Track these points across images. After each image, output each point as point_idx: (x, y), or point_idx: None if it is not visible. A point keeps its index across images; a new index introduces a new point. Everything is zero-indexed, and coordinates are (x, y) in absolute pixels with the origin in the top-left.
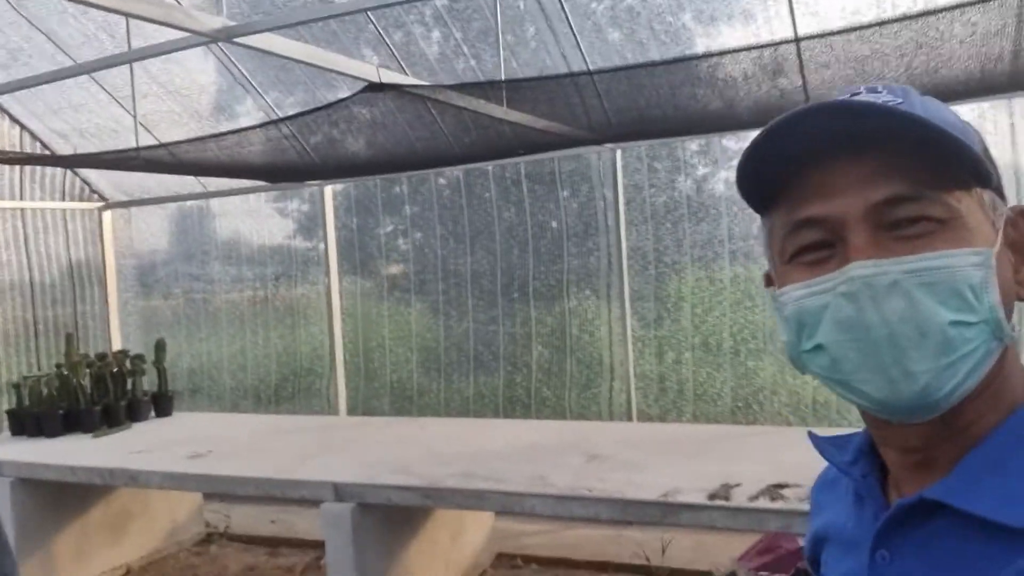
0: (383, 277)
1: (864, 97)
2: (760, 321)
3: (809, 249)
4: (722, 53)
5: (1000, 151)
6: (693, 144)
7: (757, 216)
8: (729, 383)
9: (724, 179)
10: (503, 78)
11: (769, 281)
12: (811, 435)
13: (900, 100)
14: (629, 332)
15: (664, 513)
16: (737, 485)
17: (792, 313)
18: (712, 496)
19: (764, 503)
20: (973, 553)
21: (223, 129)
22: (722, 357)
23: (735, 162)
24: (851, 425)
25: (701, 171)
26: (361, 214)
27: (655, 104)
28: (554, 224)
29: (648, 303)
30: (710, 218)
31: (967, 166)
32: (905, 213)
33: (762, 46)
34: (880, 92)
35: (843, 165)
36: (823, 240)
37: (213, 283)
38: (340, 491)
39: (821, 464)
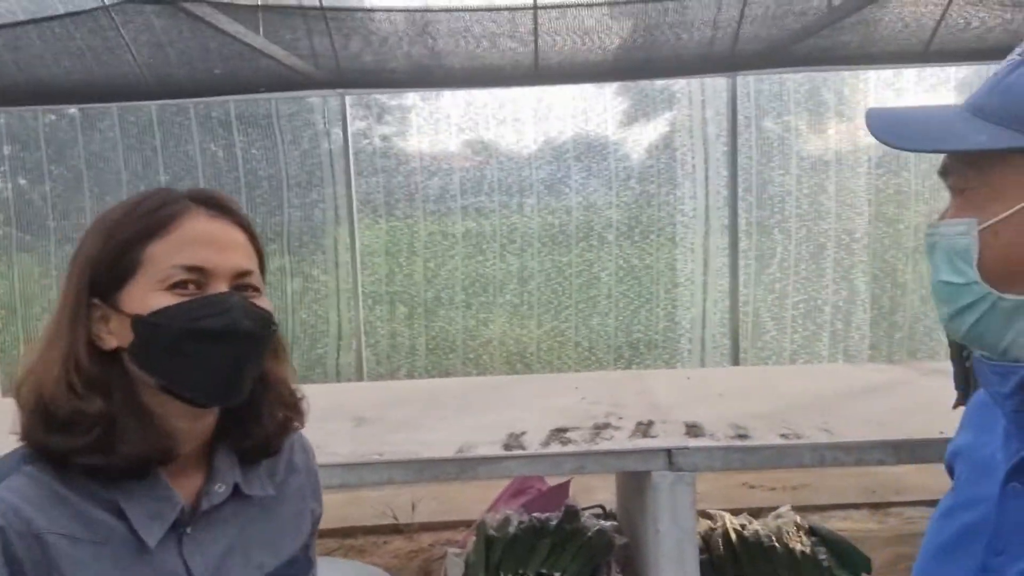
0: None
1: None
2: (490, 274)
3: None
4: (467, 10)
5: (700, 123)
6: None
7: (489, 173)
8: (460, 337)
9: (455, 134)
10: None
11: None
12: (975, 359)
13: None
14: (360, 289)
15: (462, 469)
16: (523, 433)
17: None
18: (507, 447)
19: (557, 447)
20: None
21: None
22: (454, 311)
23: (469, 116)
24: (566, 370)
25: (429, 124)
26: None
27: (391, 55)
28: (272, 172)
29: (379, 258)
30: (442, 172)
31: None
32: (952, 183)
33: (502, 9)
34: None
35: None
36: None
37: None
38: None
39: (591, 412)
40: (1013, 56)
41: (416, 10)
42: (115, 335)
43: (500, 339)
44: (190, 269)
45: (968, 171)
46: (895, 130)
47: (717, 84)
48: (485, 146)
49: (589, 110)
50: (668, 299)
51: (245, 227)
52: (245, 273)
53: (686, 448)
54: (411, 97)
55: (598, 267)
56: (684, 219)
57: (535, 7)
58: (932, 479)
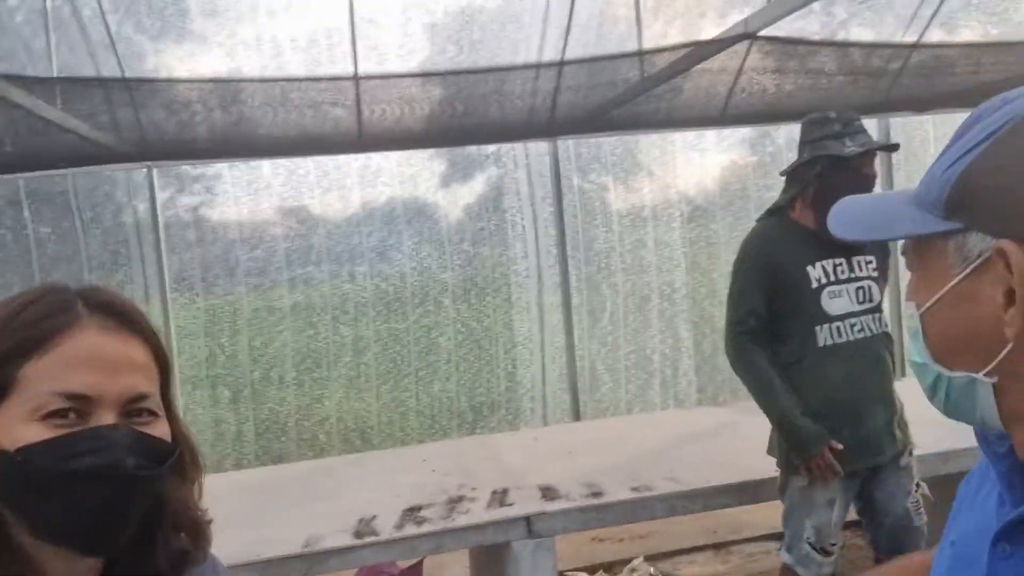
0: None
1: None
2: (323, 347)
3: None
4: (284, 80)
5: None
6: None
7: (316, 242)
8: (293, 417)
9: (276, 202)
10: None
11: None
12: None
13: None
14: (176, 374)
15: (311, 564)
16: (373, 517)
17: None
18: (358, 534)
19: (412, 529)
20: None
21: None
22: (285, 390)
23: (291, 184)
24: (410, 441)
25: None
26: None
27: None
28: (71, 253)
29: (197, 339)
30: (265, 243)
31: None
32: (907, 265)
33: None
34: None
35: None
36: None
37: None
38: None
39: (443, 485)
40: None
41: (228, 80)
42: None
43: (337, 415)
44: (70, 397)
45: (912, 255)
46: (847, 220)
47: (539, 147)
48: (310, 214)
49: (417, 175)
50: (508, 359)
51: (147, 339)
52: (139, 398)
53: (544, 513)
54: (221, 167)
55: (436, 332)
56: (518, 279)
57: (356, 77)
58: (765, 515)
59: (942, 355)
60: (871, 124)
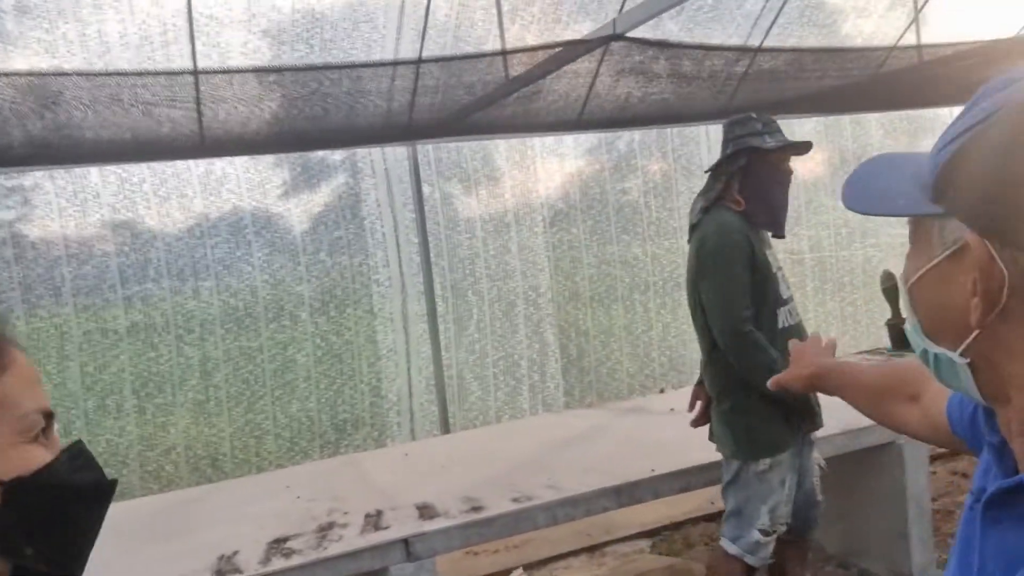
0: None
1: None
2: (166, 371)
3: None
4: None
5: (385, 191)
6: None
7: (155, 256)
8: (135, 448)
9: (107, 214)
10: None
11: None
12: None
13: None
14: None
15: None
16: (235, 553)
17: None
18: (219, 572)
19: (281, 563)
20: None
21: None
22: (124, 419)
23: (123, 194)
24: (268, 466)
25: (73, 205)
26: None
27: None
28: None
29: None
30: (96, 258)
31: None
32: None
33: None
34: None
35: None
36: None
37: None
38: None
39: (311, 512)
40: None
41: (48, 74)
42: None
43: (185, 443)
44: (47, 415)
45: (910, 230)
46: (855, 192)
47: (398, 152)
48: (147, 226)
49: (266, 181)
50: (372, 373)
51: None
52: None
53: (423, 534)
54: (40, 176)
55: (293, 348)
56: (380, 288)
57: (195, 72)
58: (634, 513)
59: (927, 330)
60: (717, 129)
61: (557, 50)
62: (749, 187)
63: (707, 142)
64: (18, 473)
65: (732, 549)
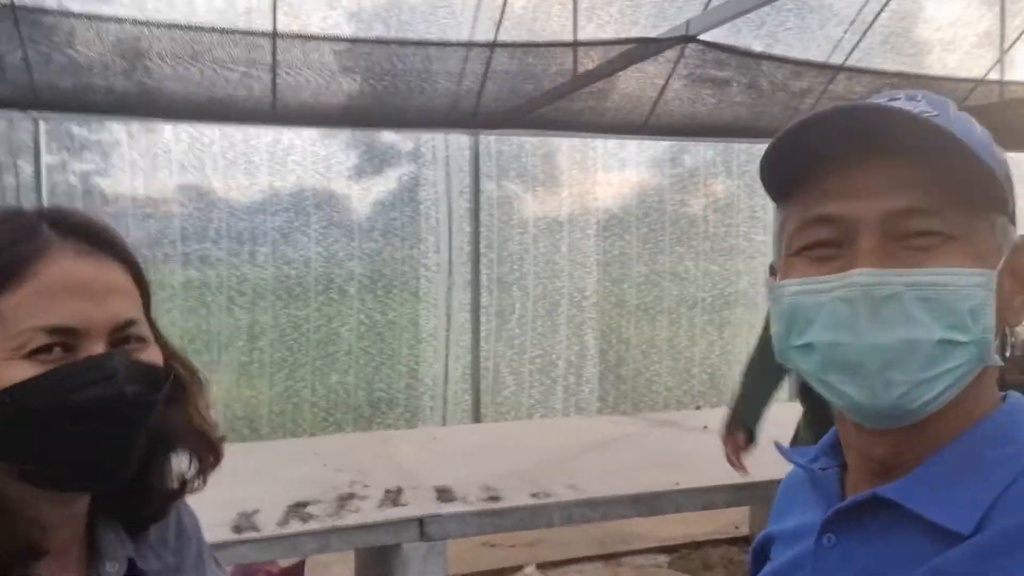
0: None
1: (902, 104)
2: (215, 330)
3: (817, 246)
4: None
5: (443, 178)
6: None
7: (216, 218)
8: None
9: (175, 173)
10: None
11: (772, 272)
12: (777, 445)
13: (936, 112)
14: None
15: None
16: (255, 512)
17: (787, 307)
18: (237, 528)
19: (297, 526)
20: (912, 549)
21: None
22: None
23: (193, 154)
24: (302, 433)
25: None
26: None
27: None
28: None
29: None
30: (159, 216)
31: (987, 189)
32: (918, 226)
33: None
34: (919, 101)
35: (867, 168)
36: (833, 239)
37: None
38: None
39: (334, 481)
40: None
41: (130, 21)
42: None
43: (225, 402)
44: (55, 331)
45: (962, 218)
46: None
47: (460, 141)
48: (212, 188)
49: (331, 157)
50: (411, 355)
51: (125, 260)
52: (126, 324)
53: (439, 516)
54: (117, 130)
55: (338, 322)
56: (428, 274)
57: (274, 34)
58: (653, 526)
59: (993, 329)
60: None
61: (628, 47)
62: None
63: None
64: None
65: None
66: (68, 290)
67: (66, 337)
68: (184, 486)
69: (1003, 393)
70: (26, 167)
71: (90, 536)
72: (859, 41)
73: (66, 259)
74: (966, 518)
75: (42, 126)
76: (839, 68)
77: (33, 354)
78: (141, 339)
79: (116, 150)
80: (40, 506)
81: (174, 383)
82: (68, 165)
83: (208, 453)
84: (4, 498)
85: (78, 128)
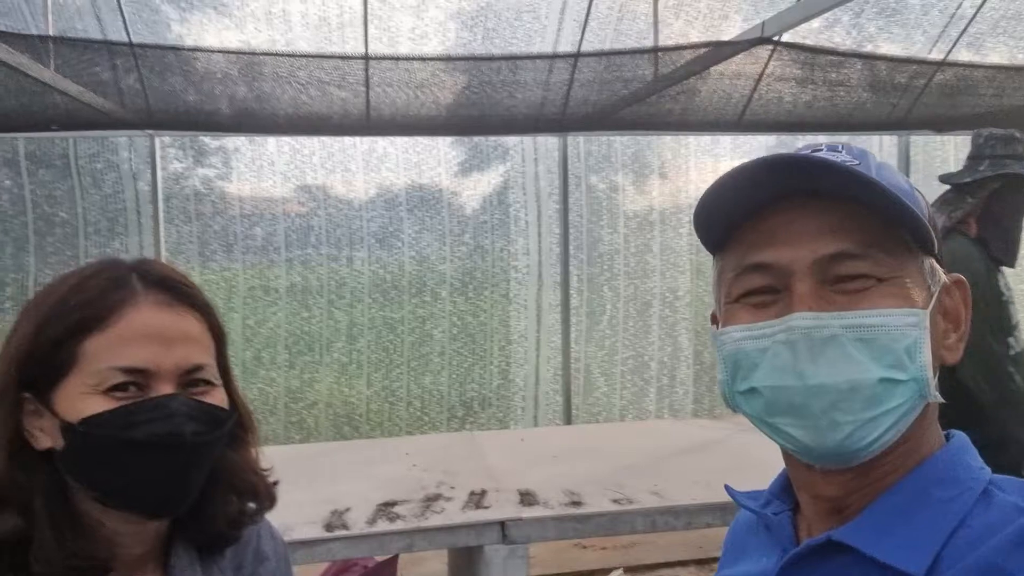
0: None
1: (825, 155)
2: (316, 331)
3: (755, 293)
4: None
5: (532, 179)
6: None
7: (317, 223)
8: (282, 399)
9: (279, 181)
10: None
11: (714, 320)
12: (727, 488)
13: (857, 162)
14: None
15: None
16: (347, 510)
17: (730, 353)
18: (329, 526)
19: (384, 525)
20: None
21: None
22: (276, 371)
23: (295, 163)
24: (398, 432)
25: (251, 170)
26: None
27: (209, 95)
28: (64, 216)
29: None
30: (265, 221)
31: (913, 231)
32: (849, 269)
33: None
34: (840, 152)
35: (797, 216)
36: (769, 285)
37: None
38: None
39: (422, 481)
40: None
41: (237, 52)
42: (48, 435)
43: (327, 400)
44: (129, 371)
45: (891, 260)
46: None
47: (549, 142)
48: (312, 195)
49: (423, 162)
50: (502, 356)
51: (201, 311)
52: (195, 369)
53: (520, 520)
54: (232, 140)
55: (431, 323)
56: (518, 275)
57: (366, 57)
58: None
59: (930, 367)
60: (890, 141)
61: (703, 51)
62: (992, 214)
63: (879, 155)
64: (69, 417)
65: None
66: (145, 336)
67: (139, 377)
68: (244, 515)
69: (946, 432)
70: (144, 175)
71: (166, 557)
72: (967, 26)
73: (147, 308)
74: (919, 560)
75: (161, 141)
76: (919, 62)
77: (109, 391)
78: (208, 382)
79: (234, 159)
80: (115, 526)
81: (237, 424)
82: (187, 175)
83: (255, 496)
84: (82, 515)
85: (199, 138)
